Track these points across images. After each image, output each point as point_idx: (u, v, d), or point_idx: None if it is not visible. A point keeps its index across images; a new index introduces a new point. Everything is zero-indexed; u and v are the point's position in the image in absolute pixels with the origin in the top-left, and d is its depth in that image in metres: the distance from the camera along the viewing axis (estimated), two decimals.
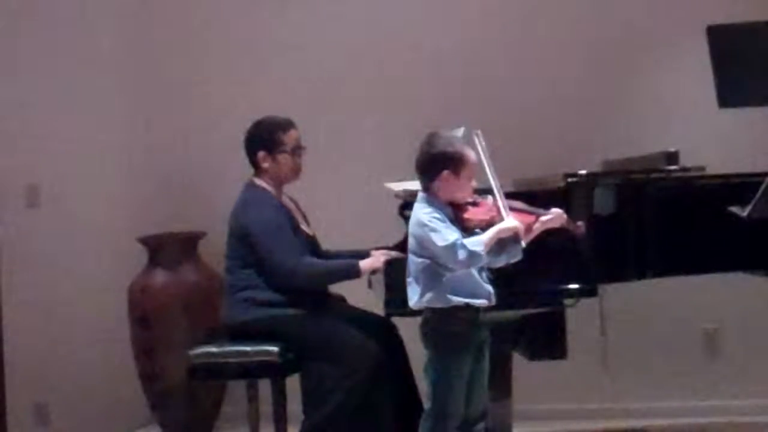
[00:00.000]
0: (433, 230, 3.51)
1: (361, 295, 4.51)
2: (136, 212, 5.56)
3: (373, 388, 4.21)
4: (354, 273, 4.34)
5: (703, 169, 4.39)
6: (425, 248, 3.54)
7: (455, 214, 3.58)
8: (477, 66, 5.44)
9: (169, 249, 5.39)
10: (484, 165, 3.62)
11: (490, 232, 3.53)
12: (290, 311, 4.36)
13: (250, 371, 4.40)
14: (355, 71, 5.49)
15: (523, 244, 3.55)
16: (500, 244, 3.56)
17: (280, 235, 4.37)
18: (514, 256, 3.59)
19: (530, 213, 3.64)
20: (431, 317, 3.60)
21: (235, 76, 5.56)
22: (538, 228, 3.61)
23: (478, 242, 3.50)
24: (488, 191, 3.64)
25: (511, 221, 3.53)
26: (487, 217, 3.58)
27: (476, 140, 3.64)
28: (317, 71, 5.50)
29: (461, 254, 3.47)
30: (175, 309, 5.27)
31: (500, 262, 3.59)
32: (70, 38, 5.51)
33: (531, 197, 3.78)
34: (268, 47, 5.57)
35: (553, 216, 3.63)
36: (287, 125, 4.52)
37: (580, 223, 3.70)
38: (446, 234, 3.50)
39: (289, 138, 4.50)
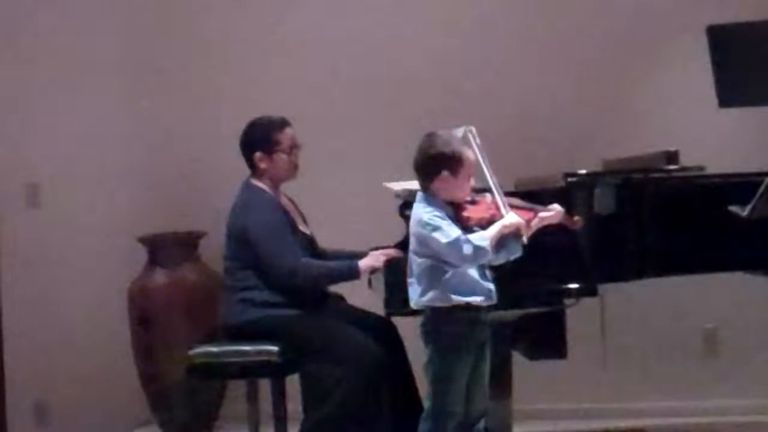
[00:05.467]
0: (436, 228, 3.51)
1: (361, 295, 4.51)
2: (136, 212, 5.56)
3: (373, 388, 4.21)
4: (353, 274, 4.33)
5: (703, 169, 4.38)
6: (428, 247, 3.54)
7: (455, 213, 3.58)
8: (477, 66, 5.43)
9: (169, 249, 5.39)
10: (480, 162, 3.62)
11: (494, 228, 3.53)
12: (290, 311, 4.35)
13: (250, 371, 4.40)
14: (355, 71, 5.49)
15: (525, 240, 3.55)
16: (500, 241, 3.56)
17: (280, 236, 4.37)
18: (514, 253, 3.59)
19: (528, 209, 3.64)
20: (432, 316, 3.60)
21: (235, 76, 5.56)
22: (536, 224, 3.61)
23: (483, 237, 3.51)
24: (487, 190, 3.64)
25: (513, 216, 3.54)
26: (486, 215, 3.58)
27: (470, 137, 3.64)
28: (317, 71, 5.50)
29: (466, 249, 3.47)
30: (175, 309, 5.27)
31: (500, 259, 3.59)
32: (70, 38, 5.52)
33: (531, 197, 3.78)
34: (268, 47, 5.57)
35: (551, 213, 3.63)
36: (282, 124, 4.51)
37: (577, 218, 3.69)
38: (449, 231, 3.50)
39: (285, 137, 4.50)
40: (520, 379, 4.28)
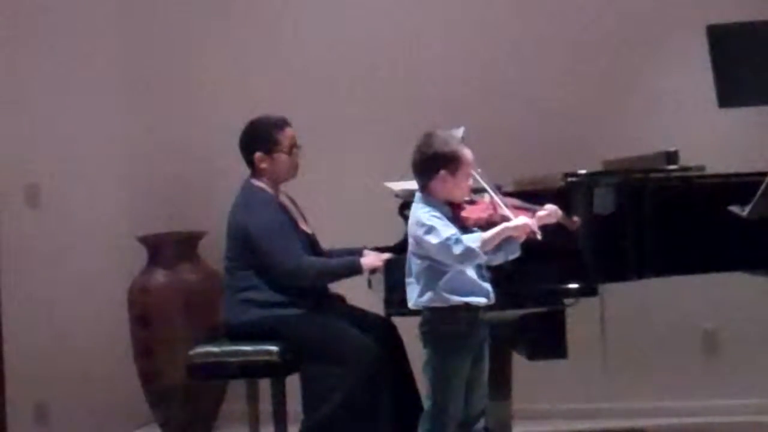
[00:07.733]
0: (430, 228, 3.50)
1: (361, 295, 4.51)
2: (136, 212, 5.56)
3: (373, 388, 4.21)
4: (355, 270, 4.34)
5: (703, 169, 4.38)
6: (423, 248, 3.54)
7: (453, 213, 3.57)
8: (477, 66, 5.44)
9: (169, 249, 5.39)
10: (492, 195, 3.61)
11: (496, 230, 3.50)
12: (290, 311, 4.35)
13: (250, 371, 4.40)
14: (354, 71, 5.49)
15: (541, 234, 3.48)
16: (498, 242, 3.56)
17: (281, 234, 4.37)
18: (512, 253, 3.57)
19: (526, 209, 3.63)
20: (431, 317, 3.59)
21: (235, 76, 5.57)
22: (533, 224, 3.61)
23: (475, 238, 3.48)
24: (484, 190, 3.63)
25: (520, 219, 3.50)
26: (485, 215, 3.57)
27: (476, 176, 3.62)
28: (317, 71, 5.50)
29: (456, 249, 3.45)
30: (175, 309, 5.28)
31: (498, 259, 3.58)
32: (70, 38, 5.52)
33: (531, 197, 3.78)
34: (268, 47, 5.58)
35: (548, 212, 3.62)
36: (283, 124, 4.51)
37: (576, 218, 3.69)
38: (442, 231, 3.48)
39: (285, 137, 4.50)
40: (520, 379, 4.28)
